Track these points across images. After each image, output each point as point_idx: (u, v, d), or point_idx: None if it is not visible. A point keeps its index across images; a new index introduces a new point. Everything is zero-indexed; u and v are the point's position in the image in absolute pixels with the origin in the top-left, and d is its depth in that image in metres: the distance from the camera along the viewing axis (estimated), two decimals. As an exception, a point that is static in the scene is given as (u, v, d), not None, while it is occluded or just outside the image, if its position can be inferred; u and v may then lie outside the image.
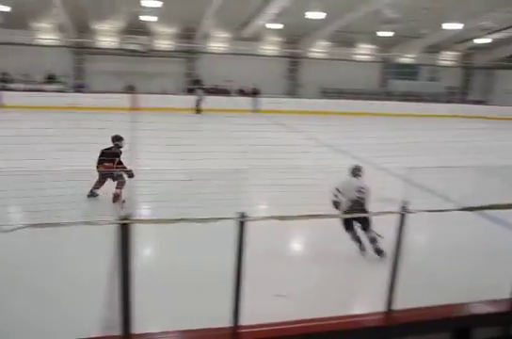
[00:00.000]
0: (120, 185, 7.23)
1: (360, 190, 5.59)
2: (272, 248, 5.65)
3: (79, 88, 23.01)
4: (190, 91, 23.81)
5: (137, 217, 3.05)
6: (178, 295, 4.49)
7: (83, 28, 22.84)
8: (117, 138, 7.66)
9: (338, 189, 5.65)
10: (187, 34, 23.77)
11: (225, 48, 25.28)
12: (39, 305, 4.33)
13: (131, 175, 7.11)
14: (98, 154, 7.35)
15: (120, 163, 7.31)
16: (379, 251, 5.36)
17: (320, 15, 19.02)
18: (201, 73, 25.05)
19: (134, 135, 11.81)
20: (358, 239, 5.56)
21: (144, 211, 6.33)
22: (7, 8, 18.90)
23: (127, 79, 23.17)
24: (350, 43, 26.02)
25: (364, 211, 5.47)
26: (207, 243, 5.39)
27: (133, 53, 23.18)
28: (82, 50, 23.75)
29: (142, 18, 20.53)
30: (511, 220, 6.58)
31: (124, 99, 19.47)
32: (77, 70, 24.00)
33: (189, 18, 21.32)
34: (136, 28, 22.46)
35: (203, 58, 25.28)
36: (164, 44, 24.30)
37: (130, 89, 22.81)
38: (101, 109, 16.66)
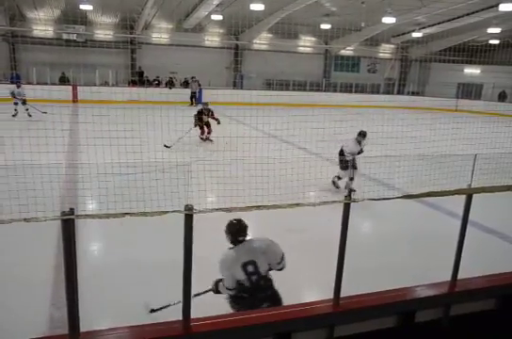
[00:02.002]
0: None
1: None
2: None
3: (14, 80, 21.89)
4: (133, 83, 23.27)
5: (81, 213, 2.95)
6: (127, 290, 4.42)
7: (16, 16, 21.68)
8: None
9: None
10: (128, 24, 23.16)
11: (168, 39, 24.84)
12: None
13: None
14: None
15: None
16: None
17: (260, 7, 19.08)
18: (144, 65, 24.52)
19: (74, 128, 11.47)
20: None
21: (89, 206, 6.15)
22: None
23: (64, 70, 22.32)
24: (293, 35, 26.31)
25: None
26: (155, 237, 5.33)
27: (70, 43, 22.29)
28: (15, 39, 22.57)
29: (80, 7, 19.72)
30: (448, 206, 6.93)
31: (62, 91, 18.89)
32: (11, 60, 22.80)
33: (129, 7, 20.77)
34: (73, 17, 21.60)
35: (146, 49, 24.74)
36: (103, 34, 23.54)
37: (65, 81, 22.01)
38: (38, 101, 15.91)
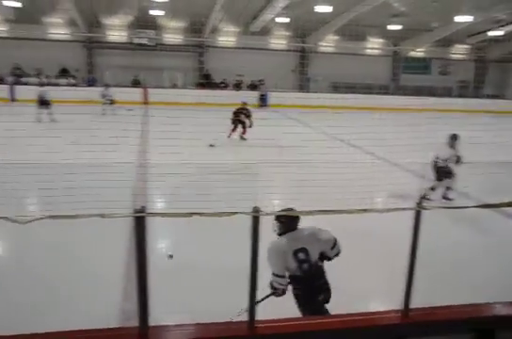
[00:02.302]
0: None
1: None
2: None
3: (90, 82, 23.13)
4: (201, 85, 23.82)
5: (152, 211, 3.03)
6: (193, 289, 4.50)
7: (93, 23, 22.91)
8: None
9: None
10: (196, 28, 23.75)
11: (234, 42, 25.22)
12: (55, 296, 4.37)
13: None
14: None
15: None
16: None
17: (328, 8, 18.91)
18: (211, 68, 25.03)
19: (144, 128, 11.93)
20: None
21: (158, 204, 6.33)
22: (18, 4, 19.04)
23: (136, 73, 23.28)
24: (360, 37, 25.83)
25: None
26: (223, 237, 5.39)
27: (141, 47, 23.23)
28: (92, 44, 23.85)
29: (151, 12, 20.50)
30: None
31: (134, 93, 19.74)
32: (89, 64, 24.12)
33: (197, 12, 21.28)
34: (144, 23, 22.51)
35: (212, 53, 25.25)
36: (172, 38, 24.30)
37: (137, 83, 22.93)
38: (117, 103, 16.73)
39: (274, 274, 3.39)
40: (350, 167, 5.80)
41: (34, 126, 9.30)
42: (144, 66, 23.35)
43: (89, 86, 22.52)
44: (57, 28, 23.37)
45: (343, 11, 20.93)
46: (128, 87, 21.90)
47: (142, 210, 2.75)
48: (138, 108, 17.20)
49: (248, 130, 12.80)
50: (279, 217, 3.45)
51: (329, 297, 3.48)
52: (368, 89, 25.35)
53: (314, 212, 3.05)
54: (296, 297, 3.44)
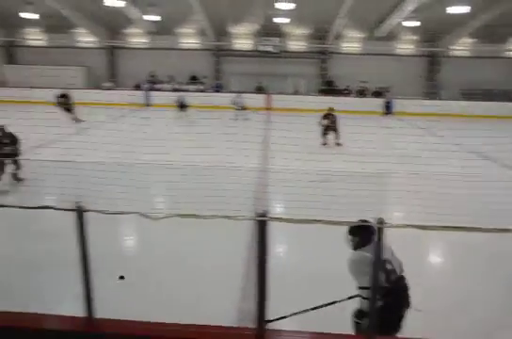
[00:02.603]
0: None
1: None
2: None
3: (217, 88, 24.39)
4: (323, 92, 23.81)
5: (274, 216, 3.08)
6: (309, 295, 4.49)
7: (221, 32, 24.16)
8: None
9: None
10: (320, 34, 23.77)
11: (358, 48, 24.81)
12: (177, 289, 4.64)
13: None
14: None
15: None
16: None
17: (464, 9, 17.63)
18: (334, 74, 24.90)
19: (267, 134, 12.24)
20: None
21: (277, 209, 6.43)
22: (157, 18, 20.79)
23: (260, 80, 24.02)
24: (499, 39, 23.74)
25: None
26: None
27: (266, 54, 23.91)
28: (220, 52, 25.15)
29: (276, 20, 21.00)
30: None
31: (257, 99, 20.42)
32: (216, 71, 25.49)
33: (322, 18, 21.30)
34: (269, 30, 23.14)
35: (336, 59, 25.08)
36: (296, 45, 24.63)
37: (260, 90, 23.62)
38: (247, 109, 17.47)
39: (362, 287, 3.24)
40: (484, 181, 5.36)
41: (168, 128, 10.11)
42: (268, 73, 24.01)
43: (216, 91, 23.77)
44: (189, 38, 25.11)
45: (480, 11, 19.43)
46: (252, 93, 22.68)
47: (264, 214, 2.82)
48: (261, 114, 17.69)
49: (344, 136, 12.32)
50: (357, 229, 3.39)
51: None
52: (506, 97, 23.21)
53: (445, 228, 2.87)
54: (381, 309, 3.02)
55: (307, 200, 4.52)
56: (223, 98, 18.14)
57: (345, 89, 24.22)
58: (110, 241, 5.83)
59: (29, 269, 4.99)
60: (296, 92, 23.92)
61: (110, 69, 25.60)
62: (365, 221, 3.22)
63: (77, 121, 16.04)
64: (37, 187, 7.06)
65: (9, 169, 7.42)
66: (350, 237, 3.46)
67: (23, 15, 21.62)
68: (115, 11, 20.21)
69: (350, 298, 3.44)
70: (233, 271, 5.01)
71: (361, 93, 23.96)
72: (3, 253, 5.30)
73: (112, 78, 25.12)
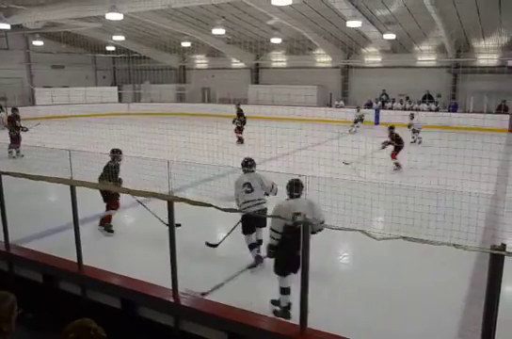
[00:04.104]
0: None
1: None
2: None
3: (453, 108, 22.90)
4: None
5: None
6: None
7: (462, 47, 22.58)
8: None
9: None
10: None
11: None
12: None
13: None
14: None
15: None
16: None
17: None
18: None
19: (505, 158, 10.94)
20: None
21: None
22: (393, 36, 20.65)
23: (504, 98, 21.52)
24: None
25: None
26: None
27: (514, 70, 21.32)
28: (458, 69, 23.53)
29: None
30: None
31: (498, 120, 18.39)
32: (452, 89, 23.94)
33: None
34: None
35: None
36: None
37: (503, 109, 21.17)
38: (473, 129, 16.04)
39: (273, 229, 4.53)
40: None
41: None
42: (514, 90, 21.31)
43: (451, 111, 22.29)
44: (425, 55, 24.21)
45: None
46: (490, 113, 20.60)
47: (503, 248, 2.52)
48: (501, 136, 15.90)
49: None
50: (288, 184, 4.67)
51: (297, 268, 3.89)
52: None
53: None
54: (282, 244, 4.47)
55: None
56: (459, 118, 16.96)
57: None
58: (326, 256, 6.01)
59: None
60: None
61: (343, 87, 26.47)
62: (298, 180, 4.64)
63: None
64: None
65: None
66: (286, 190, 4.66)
67: (272, 40, 24.18)
68: (352, 32, 20.92)
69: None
70: (451, 305, 4.60)
71: None
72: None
73: (344, 96, 25.92)
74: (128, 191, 5.06)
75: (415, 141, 16.21)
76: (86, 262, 5.09)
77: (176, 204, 4.27)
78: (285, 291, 4.54)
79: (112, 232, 7.12)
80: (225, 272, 5.55)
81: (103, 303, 4.85)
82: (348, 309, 4.58)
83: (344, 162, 9.10)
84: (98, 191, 6.96)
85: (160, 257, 4.72)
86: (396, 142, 10.79)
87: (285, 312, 4.50)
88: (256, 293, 4.96)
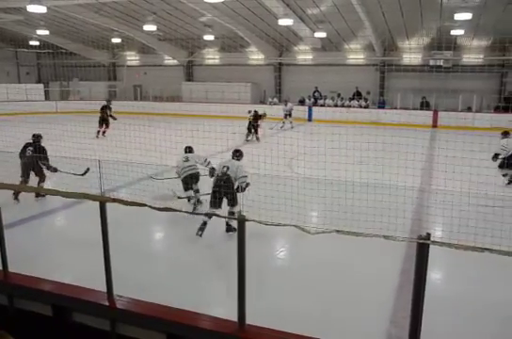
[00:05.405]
0: None
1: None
2: None
3: (381, 105, 23.88)
4: (500, 109, 21.65)
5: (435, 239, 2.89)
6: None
7: (388, 46, 23.63)
8: None
9: None
10: (499, 46, 21.65)
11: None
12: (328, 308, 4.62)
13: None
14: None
15: None
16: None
17: None
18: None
19: (430, 152, 11.56)
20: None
21: (437, 233, 6.03)
22: (323, 35, 21.21)
23: (425, 95, 22.80)
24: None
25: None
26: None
27: (435, 69, 22.57)
28: (385, 67, 24.57)
29: (452, 32, 19.68)
30: None
31: (421, 116, 19.40)
32: (380, 86, 24.96)
33: (503, 28, 19.38)
34: (442, 43, 21.82)
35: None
36: (473, 59, 22.82)
37: (426, 106, 22.41)
38: (400, 125, 16.79)
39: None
40: None
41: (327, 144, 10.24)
42: (436, 88, 22.52)
43: (379, 108, 23.25)
44: (354, 54, 25.12)
45: None
46: (415, 109, 21.73)
47: (427, 237, 2.66)
48: (425, 132, 16.79)
49: None
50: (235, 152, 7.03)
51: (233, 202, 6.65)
52: None
53: None
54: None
55: (474, 225, 4.15)
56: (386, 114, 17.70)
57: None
58: (263, 251, 6.08)
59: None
60: (466, 109, 22.13)
61: (276, 84, 26.83)
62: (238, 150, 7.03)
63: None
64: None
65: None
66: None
67: (205, 37, 24.03)
68: (283, 30, 21.24)
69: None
70: (383, 293, 4.81)
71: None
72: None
73: (277, 94, 26.30)
74: (57, 192, 4.84)
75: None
76: (12, 269, 4.83)
77: (110, 205, 4.14)
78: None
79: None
80: (161, 270, 5.47)
81: (33, 311, 4.62)
82: (286, 304, 4.66)
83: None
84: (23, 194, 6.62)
85: (94, 260, 4.56)
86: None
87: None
88: (192, 291, 4.92)
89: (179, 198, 7.45)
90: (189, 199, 7.96)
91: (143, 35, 25.50)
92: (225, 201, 6.60)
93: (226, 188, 6.49)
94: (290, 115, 20.02)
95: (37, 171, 8.30)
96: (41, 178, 8.39)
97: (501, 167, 9.47)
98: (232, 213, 6.48)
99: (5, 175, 5.83)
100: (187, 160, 7.84)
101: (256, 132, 16.72)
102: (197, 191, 7.97)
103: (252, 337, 3.66)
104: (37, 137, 8.44)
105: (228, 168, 6.69)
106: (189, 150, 8.15)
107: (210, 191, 6.72)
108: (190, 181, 7.78)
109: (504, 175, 9.62)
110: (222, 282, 5.14)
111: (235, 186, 6.63)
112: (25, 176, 8.17)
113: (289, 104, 20.41)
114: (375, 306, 4.57)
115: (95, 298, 4.35)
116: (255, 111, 17.19)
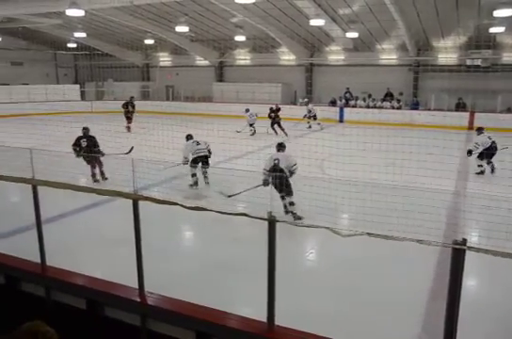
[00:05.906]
0: None
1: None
2: None
3: (414, 106, 23.40)
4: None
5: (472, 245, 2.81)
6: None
7: (423, 46, 23.15)
8: None
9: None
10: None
11: None
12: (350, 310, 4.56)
13: None
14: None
15: None
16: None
17: None
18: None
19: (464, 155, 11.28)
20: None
21: (473, 238, 5.86)
22: (355, 35, 20.97)
23: (462, 96, 22.17)
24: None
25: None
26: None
27: (473, 68, 21.91)
28: (419, 68, 24.11)
29: (491, 30, 19.00)
30: None
31: (458, 117, 18.92)
32: (413, 87, 24.48)
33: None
34: (478, 42, 21.18)
35: None
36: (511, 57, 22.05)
37: (461, 107, 21.81)
38: (435, 127, 16.46)
39: (265, 169, 7.26)
40: None
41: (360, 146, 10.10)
42: (473, 89, 21.85)
43: (412, 109, 22.77)
44: (387, 54, 24.70)
45: None
46: (450, 110, 21.20)
47: (463, 243, 2.60)
48: (460, 134, 16.38)
49: None
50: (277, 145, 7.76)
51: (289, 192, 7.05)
52: None
53: None
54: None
55: None
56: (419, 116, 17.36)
57: None
58: (293, 252, 6.05)
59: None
60: (506, 110, 21.41)
61: (307, 85, 26.70)
62: (281, 143, 7.78)
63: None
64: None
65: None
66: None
67: (236, 38, 24.12)
68: (315, 30, 21.11)
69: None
70: (415, 298, 4.71)
71: None
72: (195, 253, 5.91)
73: (308, 94, 26.17)
74: (93, 190, 4.95)
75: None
76: (49, 262, 4.96)
77: (142, 203, 4.21)
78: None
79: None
80: (190, 269, 5.52)
81: (68, 304, 4.74)
82: (315, 305, 4.62)
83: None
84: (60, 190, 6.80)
85: (126, 256, 4.64)
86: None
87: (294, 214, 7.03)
88: (223, 291, 4.94)
89: (229, 196, 7.46)
90: (193, 175, 9.01)
91: (175, 36, 25.82)
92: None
93: (280, 180, 6.75)
94: (315, 117, 19.80)
95: (95, 158, 9.47)
96: (100, 164, 9.68)
97: (479, 157, 10.39)
98: (291, 203, 7.04)
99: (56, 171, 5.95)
100: (199, 144, 9.11)
101: (281, 127, 17.18)
102: (205, 172, 9.09)
103: (281, 338, 3.66)
104: (86, 129, 9.84)
105: (278, 160, 7.28)
106: (191, 137, 9.35)
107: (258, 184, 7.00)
108: (200, 160, 8.96)
109: (479, 165, 10.48)
110: (251, 281, 5.15)
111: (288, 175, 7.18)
112: (92, 163, 9.53)
113: (309, 105, 20.22)
114: (405, 311, 4.49)
115: (127, 294, 4.43)
116: (270, 108, 17.75)
